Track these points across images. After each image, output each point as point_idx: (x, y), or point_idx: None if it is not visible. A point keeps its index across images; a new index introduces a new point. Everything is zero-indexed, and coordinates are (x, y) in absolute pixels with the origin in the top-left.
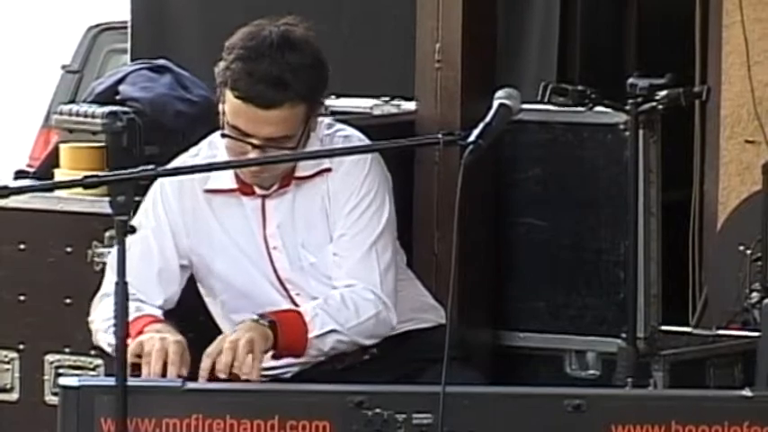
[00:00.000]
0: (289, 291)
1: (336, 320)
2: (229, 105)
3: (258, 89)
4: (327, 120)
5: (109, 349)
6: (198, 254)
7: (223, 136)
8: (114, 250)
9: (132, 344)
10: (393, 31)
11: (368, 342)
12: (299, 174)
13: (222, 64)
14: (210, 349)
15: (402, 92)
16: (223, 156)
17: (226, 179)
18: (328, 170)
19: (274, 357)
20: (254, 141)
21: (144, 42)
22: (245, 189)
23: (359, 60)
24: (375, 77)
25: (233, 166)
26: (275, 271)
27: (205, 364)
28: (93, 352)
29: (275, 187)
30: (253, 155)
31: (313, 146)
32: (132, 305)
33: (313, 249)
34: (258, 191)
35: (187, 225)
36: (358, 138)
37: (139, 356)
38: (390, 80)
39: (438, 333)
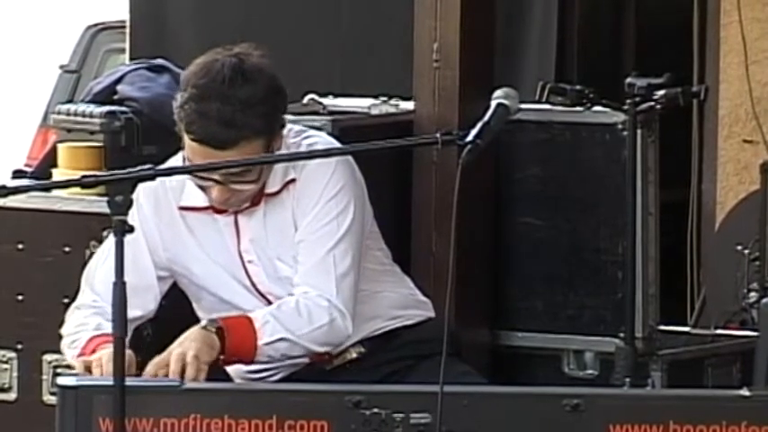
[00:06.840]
0: (269, 300)
1: (287, 328)
2: (186, 145)
3: (211, 131)
4: (296, 127)
5: (74, 363)
6: (177, 266)
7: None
8: (90, 263)
9: (79, 361)
10: (391, 31)
11: (321, 349)
12: (268, 191)
13: (178, 99)
14: (157, 359)
15: (400, 91)
16: None
17: (198, 197)
18: (293, 181)
19: (223, 363)
20: (216, 177)
21: (142, 42)
22: (217, 208)
23: (357, 60)
24: (373, 77)
25: (228, 166)
26: (253, 284)
27: (150, 370)
28: None
29: (246, 205)
30: (216, 191)
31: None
32: (95, 321)
33: (289, 261)
34: (230, 208)
35: (164, 238)
36: (324, 142)
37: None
38: (388, 80)
39: (425, 329)
